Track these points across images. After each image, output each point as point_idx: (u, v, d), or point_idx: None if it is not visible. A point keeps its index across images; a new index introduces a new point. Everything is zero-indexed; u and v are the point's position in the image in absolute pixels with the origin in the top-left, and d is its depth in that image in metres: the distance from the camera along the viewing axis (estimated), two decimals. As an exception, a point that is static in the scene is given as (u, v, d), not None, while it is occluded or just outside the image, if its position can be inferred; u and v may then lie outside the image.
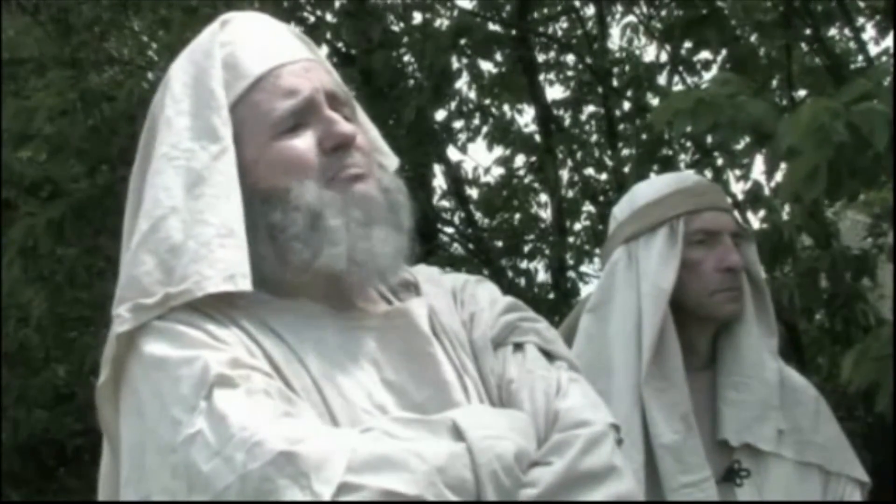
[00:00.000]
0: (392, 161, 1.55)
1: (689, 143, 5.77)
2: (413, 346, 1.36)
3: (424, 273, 1.51)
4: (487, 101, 6.61)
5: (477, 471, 1.20)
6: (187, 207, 1.33)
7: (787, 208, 4.55)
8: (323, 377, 1.30)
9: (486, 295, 1.49)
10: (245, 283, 1.31)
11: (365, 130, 1.48)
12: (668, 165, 5.39)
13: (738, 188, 5.54)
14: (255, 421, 1.19)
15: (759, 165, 4.95)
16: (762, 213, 4.84)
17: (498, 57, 6.17)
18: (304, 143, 1.37)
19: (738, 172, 5.29)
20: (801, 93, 5.23)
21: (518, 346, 1.43)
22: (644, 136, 5.75)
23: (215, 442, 1.18)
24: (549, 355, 1.43)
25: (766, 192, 4.74)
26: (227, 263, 1.30)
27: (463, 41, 5.44)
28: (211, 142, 1.36)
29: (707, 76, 5.45)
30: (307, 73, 1.41)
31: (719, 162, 5.37)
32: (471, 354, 1.41)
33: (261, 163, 1.37)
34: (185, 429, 1.20)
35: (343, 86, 1.49)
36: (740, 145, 4.16)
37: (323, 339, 1.34)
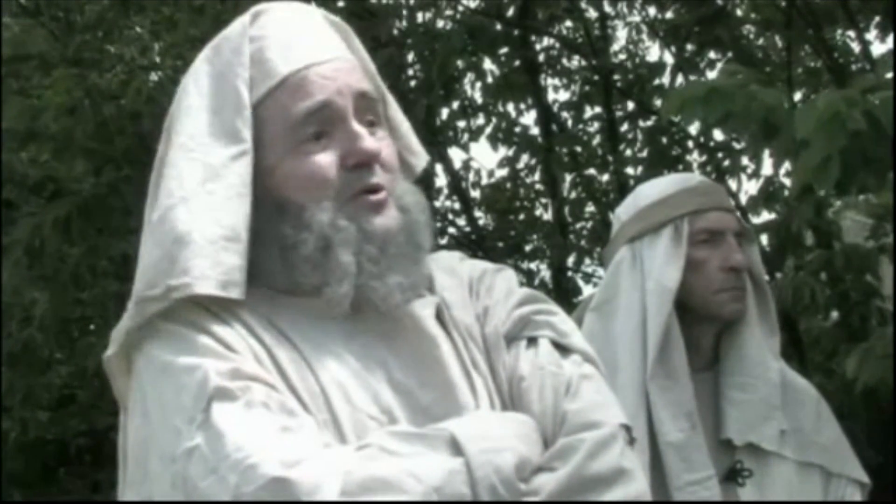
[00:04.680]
0: (421, 160, 1.51)
1: (690, 143, 5.78)
2: (420, 348, 1.35)
3: (444, 262, 1.47)
4: (491, 101, 6.60)
5: (474, 486, 1.19)
6: (197, 199, 1.31)
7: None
8: (330, 381, 1.28)
9: (502, 286, 1.45)
10: (236, 293, 1.30)
11: (395, 127, 1.45)
12: (678, 167, 5.37)
13: (750, 186, 5.54)
14: (250, 440, 1.18)
15: (768, 164, 4.94)
16: (774, 213, 4.83)
17: (501, 58, 6.16)
18: (326, 159, 1.33)
19: (749, 171, 5.29)
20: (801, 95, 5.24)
21: (531, 341, 1.39)
22: (652, 138, 5.75)
23: (212, 459, 1.18)
24: (564, 349, 1.39)
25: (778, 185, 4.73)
26: (226, 268, 1.29)
27: (470, 44, 5.42)
28: (231, 142, 1.33)
29: (711, 76, 5.44)
30: (333, 76, 1.36)
31: (726, 162, 5.36)
32: (483, 349, 1.38)
33: (279, 171, 1.34)
34: (184, 441, 1.20)
35: (377, 78, 1.45)
36: (744, 144, 4.15)
37: (330, 339, 1.32)
